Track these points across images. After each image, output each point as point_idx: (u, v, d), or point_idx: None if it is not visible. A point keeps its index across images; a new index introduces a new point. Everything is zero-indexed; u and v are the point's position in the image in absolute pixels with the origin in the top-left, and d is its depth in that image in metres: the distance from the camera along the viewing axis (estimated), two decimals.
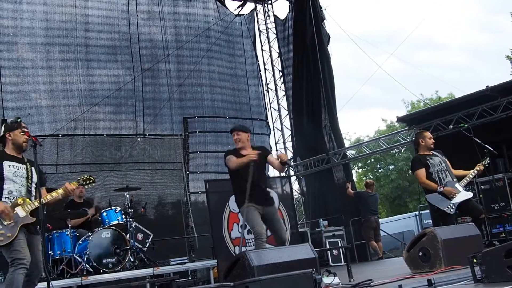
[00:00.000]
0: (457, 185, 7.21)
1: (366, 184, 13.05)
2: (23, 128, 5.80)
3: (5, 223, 5.45)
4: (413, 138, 12.91)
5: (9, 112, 11.04)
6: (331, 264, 11.86)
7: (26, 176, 5.79)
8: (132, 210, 9.29)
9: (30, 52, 11.87)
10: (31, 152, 5.67)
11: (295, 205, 12.81)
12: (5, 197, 5.59)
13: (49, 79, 12.00)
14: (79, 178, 6.32)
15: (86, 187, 6.45)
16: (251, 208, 6.75)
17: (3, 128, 5.90)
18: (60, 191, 5.90)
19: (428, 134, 7.64)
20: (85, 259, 8.53)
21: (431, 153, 7.50)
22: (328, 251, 12.17)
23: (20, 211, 5.58)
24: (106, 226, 8.94)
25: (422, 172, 7.31)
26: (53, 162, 11.75)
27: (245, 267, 5.05)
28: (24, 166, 5.82)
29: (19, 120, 5.73)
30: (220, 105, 14.37)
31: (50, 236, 8.73)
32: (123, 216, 9.22)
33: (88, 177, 6.35)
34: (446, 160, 7.49)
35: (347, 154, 14.91)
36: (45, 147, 11.42)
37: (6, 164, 5.66)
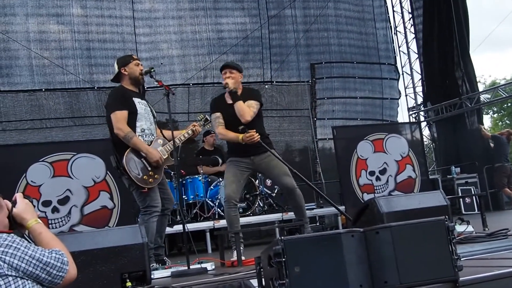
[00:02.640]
0: None
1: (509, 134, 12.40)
2: (137, 59, 5.77)
3: (154, 164, 5.48)
4: None
5: (143, 62, 11.37)
6: (463, 212, 11.49)
7: (151, 113, 5.76)
8: None
9: (161, 3, 12.22)
10: (165, 101, 5.64)
11: (426, 152, 12.45)
12: (139, 136, 5.51)
13: (180, 29, 12.33)
14: (199, 118, 6.31)
15: (206, 126, 6.42)
16: (231, 163, 6.09)
17: (116, 65, 5.80)
18: (190, 131, 5.89)
19: None
20: (217, 203, 8.85)
21: None
22: (461, 199, 11.79)
23: (163, 152, 5.60)
24: None
25: None
26: (184, 111, 12.16)
27: (374, 214, 4.98)
28: (145, 102, 5.77)
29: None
30: (347, 50, 14.08)
31: (184, 182, 9.11)
32: None
33: (205, 117, 6.30)
34: None
35: (482, 98, 14.22)
36: (177, 96, 11.79)
37: (135, 100, 5.59)
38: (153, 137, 5.68)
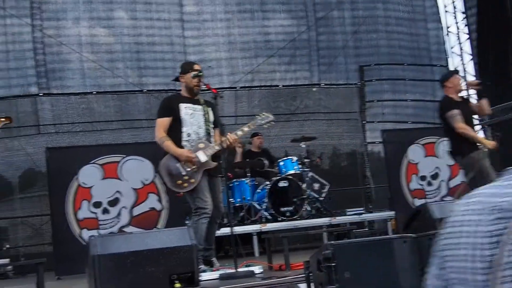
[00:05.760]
0: None
1: None
2: (196, 71, 5.83)
3: (188, 168, 5.55)
4: None
5: None
6: None
7: (204, 117, 5.84)
8: (308, 160, 9.34)
9: (209, 5, 12.20)
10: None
11: None
12: (185, 140, 5.69)
13: (228, 32, 12.27)
14: (257, 116, 6.17)
15: (265, 126, 6.27)
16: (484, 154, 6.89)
17: (179, 68, 6.14)
18: (224, 144, 5.77)
19: None
20: (264, 207, 8.78)
21: None
22: None
23: (202, 156, 5.63)
24: (283, 176, 9.09)
25: None
26: (232, 114, 12.12)
27: (425, 220, 4.89)
28: (200, 107, 5.87)
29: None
30: (397, 51, 13.77)
31: (231, 185, 9.07)
32: (299, 166, 9.30)
33: (266, 114, 6.17)
34: None
35: None
36: (225, 99, 11.72)
37: (182, 106, 5.77)
38: (200, 141, 5.77)
